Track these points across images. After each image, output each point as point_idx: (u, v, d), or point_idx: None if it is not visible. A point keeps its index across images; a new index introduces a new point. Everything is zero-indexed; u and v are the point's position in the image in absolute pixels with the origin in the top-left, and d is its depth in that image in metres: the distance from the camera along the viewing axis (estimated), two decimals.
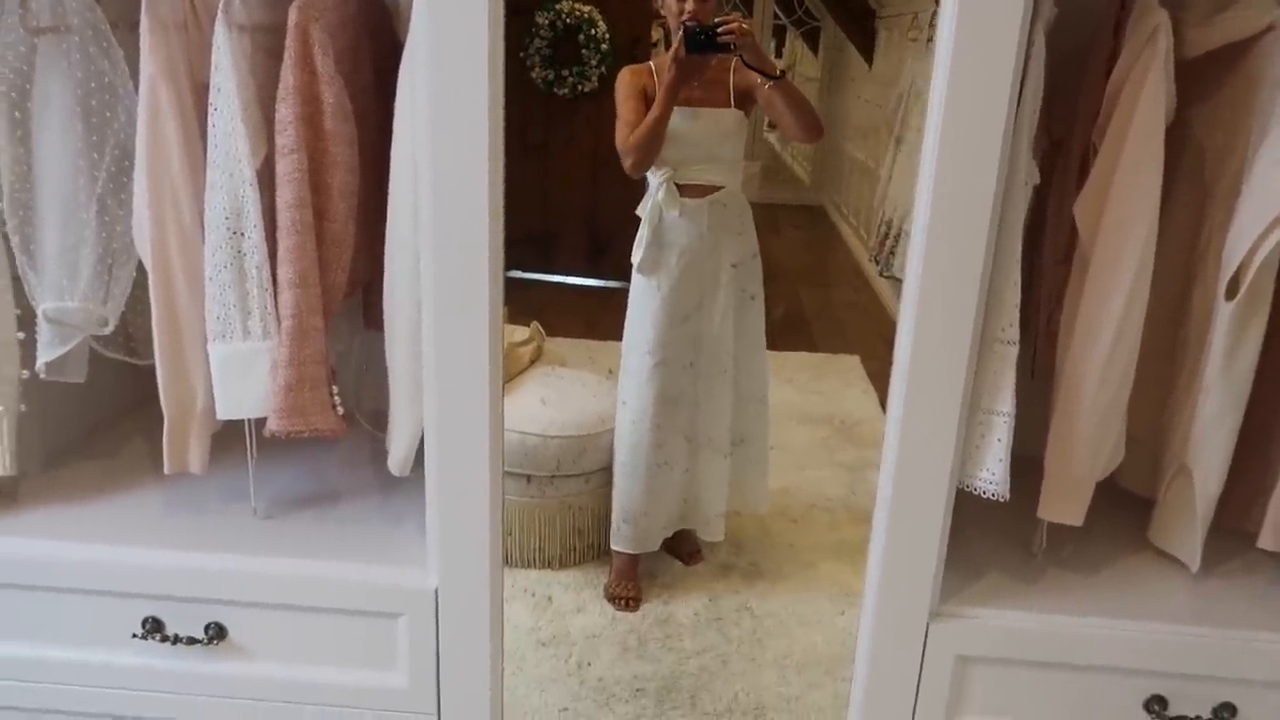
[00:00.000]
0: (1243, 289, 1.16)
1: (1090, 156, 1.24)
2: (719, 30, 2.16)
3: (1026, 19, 1.03)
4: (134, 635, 1.25)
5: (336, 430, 1.25)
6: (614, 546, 2.61)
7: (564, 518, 2.67)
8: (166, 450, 1.25)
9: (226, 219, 1.17)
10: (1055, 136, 1.37)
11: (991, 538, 1.34)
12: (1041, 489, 1.24)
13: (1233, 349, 1.19)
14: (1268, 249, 1.13)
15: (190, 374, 1.23)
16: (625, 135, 2.31)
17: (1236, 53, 1.20)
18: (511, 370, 2.78)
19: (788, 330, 4.92)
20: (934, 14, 1.20)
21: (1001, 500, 1.17)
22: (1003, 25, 1.01)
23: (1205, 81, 1.25)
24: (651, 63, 2.42)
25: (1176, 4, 1.22)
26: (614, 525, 2.60)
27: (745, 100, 2.36)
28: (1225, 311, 1.18)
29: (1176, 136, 1.23)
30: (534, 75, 5.55)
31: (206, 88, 1.17)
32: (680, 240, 2.37)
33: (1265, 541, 1.24)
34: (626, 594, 2.57)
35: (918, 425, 1.12)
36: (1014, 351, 1.16)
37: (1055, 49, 1.15)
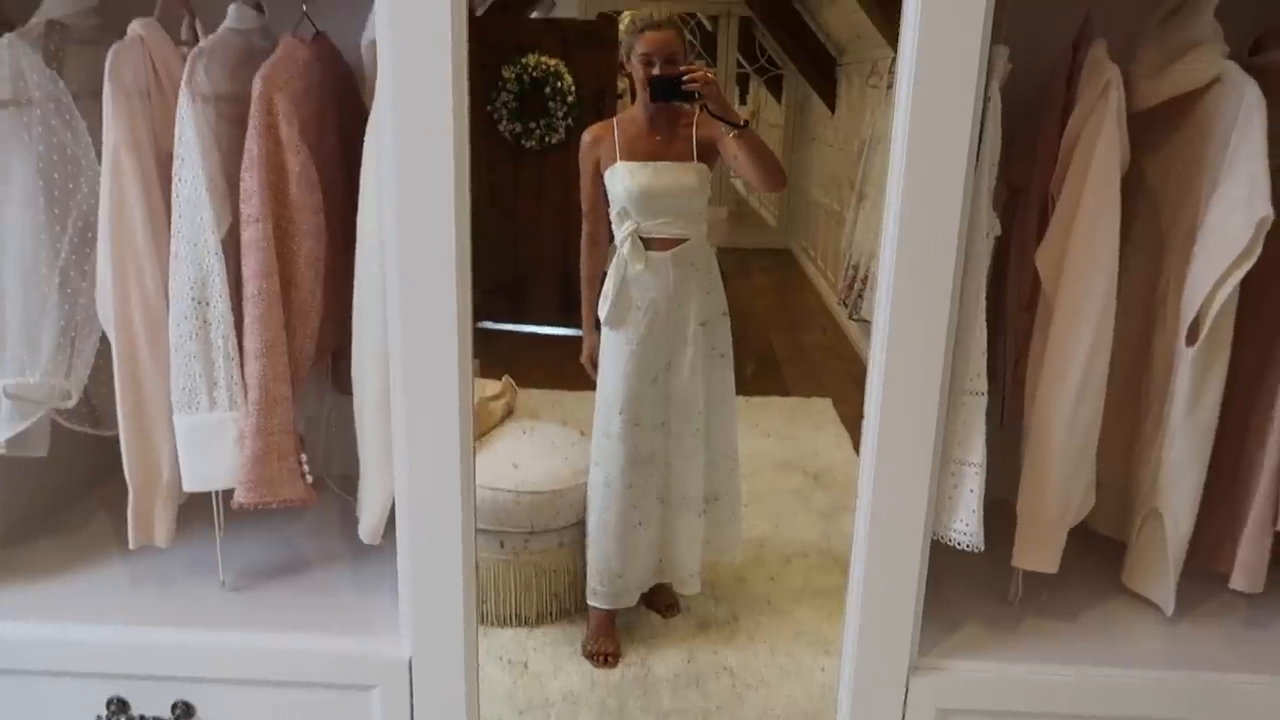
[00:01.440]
0: (1203, 334, 1.18)
1: (1049, 206, 1.26)
2: (684, 79, 2.18)
3: (982, 75, 1.05)
4: (98, 717, 1.22)
5: (306, 500, 1.23)
6: (590, 603, 2.58)
7: (539, 576, 2.64)
8: (131, 524, 1.22)
9: (191, 288, 1.16)
10: (1014, 185, 1.39)
11: (968, 587, 1.34)
12: (1015, 537, 1.25)
13: (1196, 393, 1.21)
14: (1225, 295, 1.16)
15: (156, 445, 1.21)
16: (585, 212, 2.40)
17: (1186, 104, 1.23)
18: (484, 426, 2.75)
19: (759, 374, 4.93)
20: (893, 61, 1.23)
21: (976, 551, 1.17)
22: (958, 82, 1.03)
23: (1157, 131, 1.28)
24: (615, 118, 2.45)
25: (1128, 56, 1.26)
26: (589, 583, 2.57)
27: (708, 153, 2.38)
28: (1187, 357, 1.20)
29: (1132, 185, 1.26)
30: (501, 128, 5.57)
31: (171, 157, 1.16)
32: (647, 293, 2.38)
33: (1238, 582, 1.25)
34: (604, 650, 2.53)
35: (891, 478, 1.12)
36: (982, 402, 1.17)
37: (1011, 100, 1.17)
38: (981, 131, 1.10)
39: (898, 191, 1.06)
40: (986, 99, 1.11)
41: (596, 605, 2.57)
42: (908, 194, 1.05)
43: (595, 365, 2.48)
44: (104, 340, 1.23)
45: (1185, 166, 1.24)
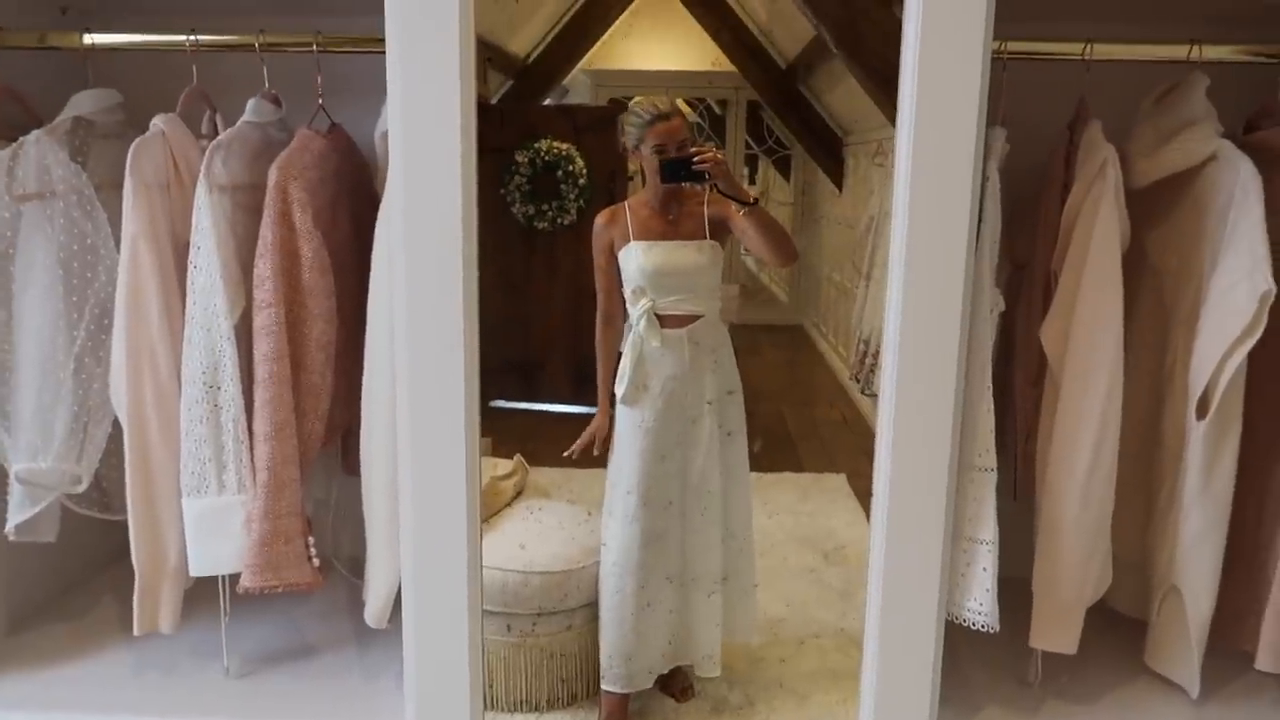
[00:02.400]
0: (1213, 408, 1.18)
1: (1052, 283, 1.27)
2: (694, 160, 2.23)
3: (979, 155, 1.07)
4: None
5: (312, 584, 1.22)
6: (604, 687, 2.52)
7: (549, 660, 2.58)
8: (137, 609, 1.22)
9: (204, 373, 1.17)
10: (1018, 262, 1.40)
11: (987, 668, 1.31)
12: (1032, 617, 1.22)
13: (1209, 467, 1.20)
14: (1232, 369, 1.16)
15: (164, 530, 1.21)
16: (600, 292, 2.43)
17: (1184, 181, 1.25)
18: (494, 505, 2.74)
19: (773, 450, 4.90)
20: None
21: (991, 631, 1.15)
22: (956, 163, 1.05)
23: (1157, 208, 1.30)
24: (627, 201, 2.49)
25: (1123, 134, 1.28)
26: (602, 667, 2.52)
27: (720, 231, 2.42)
28: (1198, 431, 1.20)
29: (1134, 261, 1.27)
30: (514, 210, 5.68)
31: (188, 245, 1.19)
32: (663, 370, 2.39)
33: (1263, 663, 1.22)
34: None
35: (901, 555, 1.11)
36: (992, 478, 1.16)
37: (1012, 177, 1.19)
38: (981, 210, 1.12)
39: (900, 270, 1.07)
40: (985, 179, 1.13)
41: (610, 689, 2.51)
42: (910, 273, 1.06)
43: (605, 444, 2.47)
44: (115, 426, 1.24)
45: (1185, 241, 1.25)
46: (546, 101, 6.36)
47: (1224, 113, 1.24)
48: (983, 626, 1.15)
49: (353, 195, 1.33)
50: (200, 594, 1.28)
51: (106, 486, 1.36)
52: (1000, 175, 1.18)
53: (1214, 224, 1.21)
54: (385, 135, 1.15)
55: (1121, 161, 1.22)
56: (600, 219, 2.48)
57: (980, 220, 1.12)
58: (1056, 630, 1.21)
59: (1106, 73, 1.24)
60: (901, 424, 1.08)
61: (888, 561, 1.11)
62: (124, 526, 1.22)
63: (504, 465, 2.85)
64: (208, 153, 1.19)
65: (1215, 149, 1.22)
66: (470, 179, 1.09)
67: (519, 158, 5.62)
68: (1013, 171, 1.21)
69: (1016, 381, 1.36)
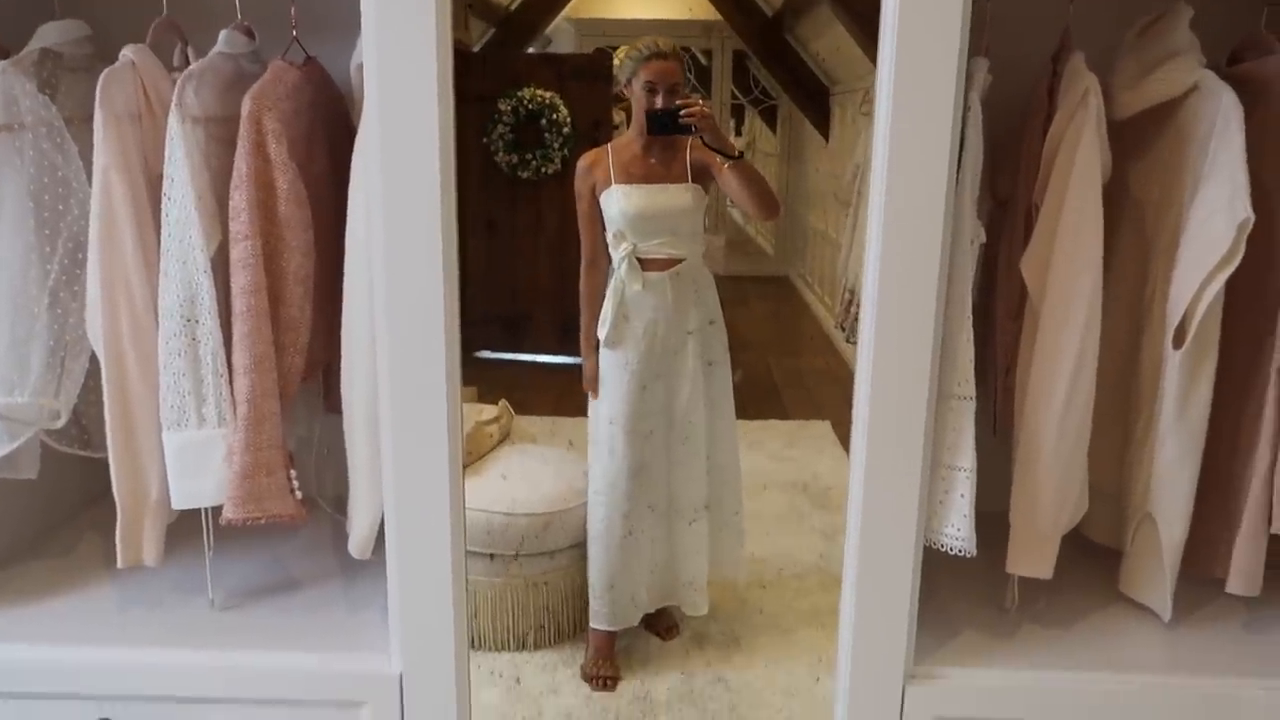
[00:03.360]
0: (1189, 337, 1.18)
1: (1033, 215, 1.27)
2: (680, 113, 2.22)
3: (960, 84, 1.06)
4: None
5: (295, 516, 1.22)
6: (592, 625, 2.56)
7: (533, 597, 2.62)
8: (120, 543, 1.22)
9: (181, 306, 1.16)
10: (1000, 197, 1.40)
11: (964, 595, 1.33)
12: (1009, 544, 1.24)
13: (1185, 396, 1.21)
14: (1209, 297, 1.16)
15: (144, 464, 1.21)
16: (583, 236, 2.44)
17: (1166, 112, 1.25)
18: (479, 449, 2.75)
19: (758, 399, 4.94)
20: None
21: (968, 556, 1.17)
22: (937, 90, 1.05)
23: (1139, 140, 1.30)
24: (610, 144, 2.47)
25: (1106, 68, 1.27)
26: (591, 605, 2.56)
27: (703, 175, 2.41)
28: (1175, 360, 1.21)
29: (1115, 193, 1.27)
30: (498, 159, 5.64)
31: (161, 178, 1.18)
32: (645, 313, 2.40)
33: (1234, 587, 1.24)
34: (603, 673, 2.51)
35: (881, 484, 1.12)
36: (970, 406, 1.17)
37: (997, 113, 1.19)
38: (963, 139, 1.11)
39: (881, 198, 1.07)
40: (966, 109, 1.12)
41: (597, 627, 2.55)
42: (891, 200, 1.06)
43: (595, 385, 2.50)
44: (94, 361, 1.23)
45: (1167, 172, 1.25)
46: (530, 50, 6.28)
47: (1207, 45, 1.23)
48: (960, 551, 1.16)
49: (328, 128, 1.31)
50: (184, 531, 1.29)
51: (86, 424, 1.35)
52: (983, 108, 1.17)
53: (1195, 154, 1.21)
54: (361, 67, 1.14)
55: (1104, 93, 1.21)
56: (582, 161, 2.46)
57: (962, 149, 1.11)
58: (1033, 556, 1.23)
59: (1091, 5, 1.23)
60: (881, 352, 1.09)
61: (867, 488, 1.12)
62: (106, 465, 1.22)
63: (489, 411, 2.87)
64: (179, 83, 1.17)
65: (1198, 80, 1.21)
66: (447, 105, 1.07)
67: (502, 106, 5.55)
68: (995, 106, 1.20)
69: (997, 315, 1.37)
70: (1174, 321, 1.20)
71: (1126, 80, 1.28)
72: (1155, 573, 1.27)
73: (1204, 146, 1.20)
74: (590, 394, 2.51)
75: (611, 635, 2.55)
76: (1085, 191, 1.19)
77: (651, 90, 2.32)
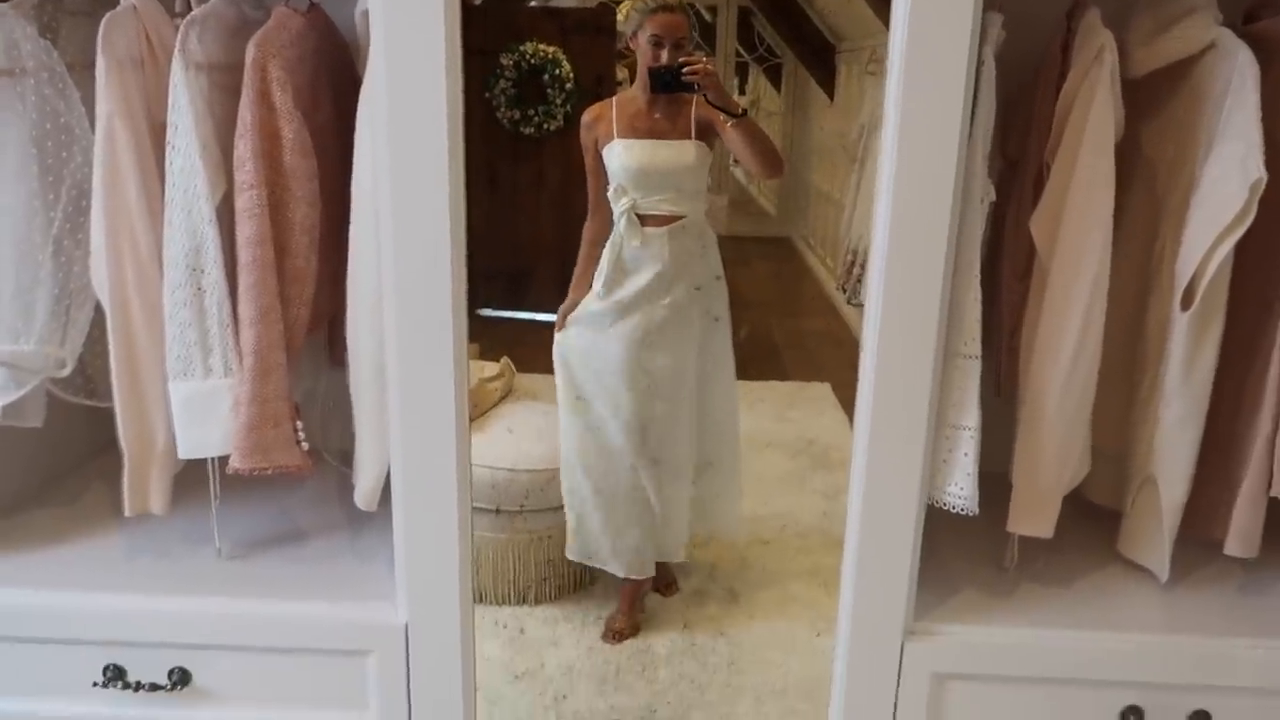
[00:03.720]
0: (1197, 299, 1.18)
1: (1044, 174, 1.26)
2: (684, 70, 2.20)
3: (975, 39, 1.05)
4: (95, 684, 1.22)
5: (301, 467, 1.23)
6: (570, 556, 2.60)
7: (536, 551, 2.64)
8: (127, 491, 1.22)
9: (186, 256, 1.16)
10: (1011, 157, 1.39)
11: (964, 554, 1.34)
12: (1010, 503, 1.25)
13: (1190, 358, 1.21)
14: (1219, 258, 1.16)
15: (150, 413, 1.21)
16: (590, 189, 2.44)
17: (1181, 70, 1.23)
18: (481, 406, 2.76)
19: (759, 360, 4.94)
20: None
21: (971, 514, 1.17)
22: (951, 44, 1.03)
23: (1153, 98, 1.28)
24: (614, 98, 2.45)
25: (1121, 25, 1.25)
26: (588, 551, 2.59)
27: (707, 132, 2.39)
28: (1182, 322, 1.20)
29: (1128, 153, 1.26)
30: (500, 115, 5.57)
31: (164, 126, 1.16)
32: (642, 269, 2.39)
33: (1232, 548, 1.25)
34: (614, 626, 2.56)
35: (885, 441, 1.13)
36: (976, 366, 1.17)
37: (1008, 71, 1.17)
38: (976, 96, 1.10)
39: (891, 154, 1.06)
40: (980, 64, 1.11)
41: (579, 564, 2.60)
42: (901, 157, 1.05)
43: (563, 319, 2.52)
44: (99, 312, 1.23)
45: (1180, 131, 1.24)
46: (532, 3, 6.18)
47: (1223, 2, 1.21)
48: (963, 510, 1.17)
49: (333, 76, 1.29)
50: (190, 481, 1.29)
51: (91, 373, 1.35)
52: (996, 64, 1.15)
53: (1210, 113, 1.20)
54: (366, 14, 1.12)
55: (1119, 51, 1.20)
56: (586, 115, 2.44)
57: (974, 106, 1.10)
58: (1034, 515, 1.24)
59: None
60: (888, 310, 1.09)
61: (871, 446, 1.12)
62: (112, 414, 1.22)
63: (491, 368, 2.87)
64: (182, 28, 1.15)
65: (1214, 37, 1.19)
66: (455, 54, 1.06)
67: (504, 60, 5.48)
68: (1008, 62, 1.19)
69: (1004, 275, 1.36)
70: (1183, 282, 1.20)
71: (1142, 37, 1.26)
72: (1154, 534, 1.28)
73: (1219, 105, 1.18)
74: (560, 324, 2.53)
75: (631, 586, 2.58)
76: (1098, 150, 1.18)
77: (657, 44, 2.29)
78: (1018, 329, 1.31)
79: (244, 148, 1.16)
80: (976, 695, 1.21)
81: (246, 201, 1.16)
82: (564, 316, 2.51)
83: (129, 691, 1.22)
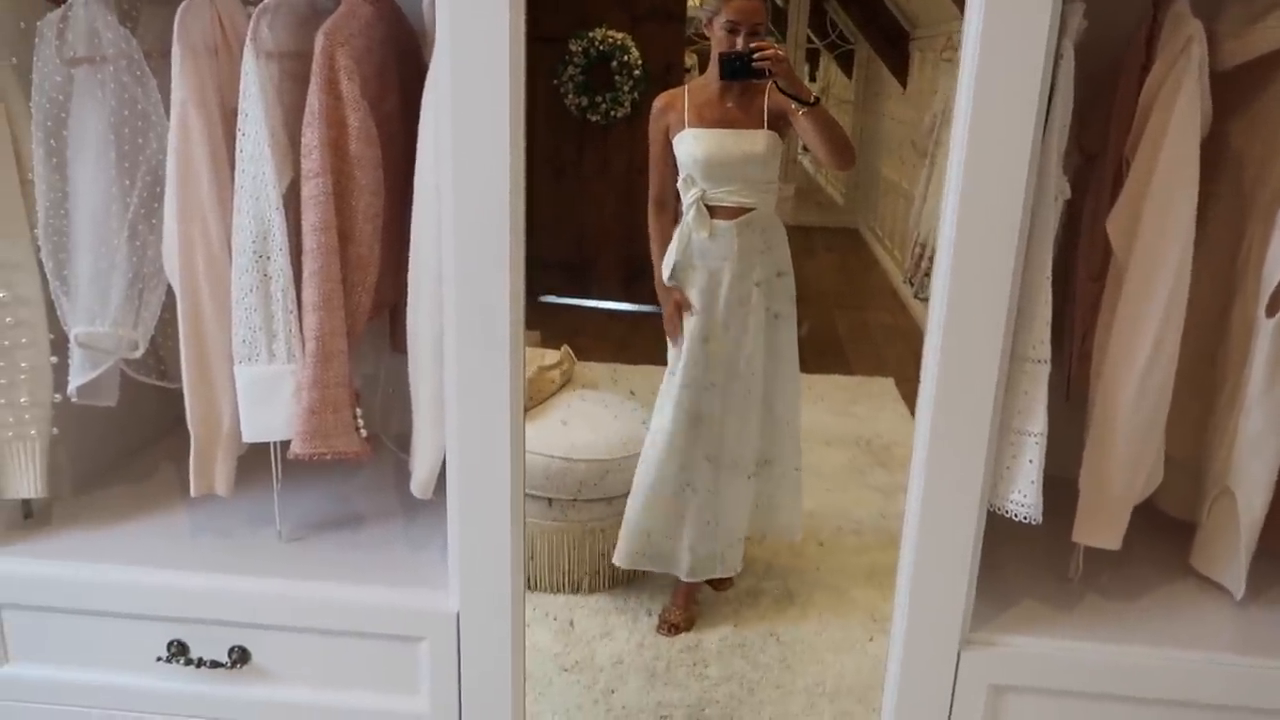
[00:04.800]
0: None
1: (1123, 170, 1.21)
2: (755, 56, 2.17)
3: (1054, 30, 1.01)
4: (158, 659, 1.26)
5: (360, 453, 1.24)
6: (619, 564, 2.59)
7: (589, 542, 2.65)
8: (193, 472, 1.26)
9: (253, 242, 1.18)
10: (1088, 151, 1.34)
11: (1026, 563, 1.31)
12: (1077, 512, 1.21)
13: (1275, 366, 1.15)
14: None
15: (217, 396, 1.24)
16: (652, 178, 2.41)
17: (1274, 62, 1.17)
18: (540, 394, 2.78)
19: (821, 353, 4.88)
20: None
21: (1034, 523, 1.14)
22: (1029, 36, 0.99)
23: (1242, 92, 1.22)
24: (686, 85, 2.43)
25: (1210, 15, 1.20)
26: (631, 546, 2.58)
27: (779, 122, 2.35)
28: (1267, 328, 1.15)
29: (1214, 149, 1.20)
30: (568, 102, 5.60)
31: (235, 113, 1.18)
32: (710, 262, 2.37)
33: None
34: (669, 619, 2.56)
35: (946, 446, 1.10)
36: (1045, 371, 1.13)
37: (1087, 62, 1.13)
38: (1053, 89, 1.06)
39: (962, 148, 1.03)
40: (1059, 56, 1.07)
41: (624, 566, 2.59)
42: (973, 150, 1.02)
43: (675, 326, 2.47)
44: (171, 295, 1.26)
45: (1270, 127, 1.18)
46: None
47: None
48: (1025, 518, 1.13)
49: (400, 65, 1.30)
50: (252, 464, 1.32)
51: (163, 355, 1.39)
52: (1075, 54, 1.11)
53: None
54: (434, 3, 1.12)
55: (1208, 41, 1.14)
56: (658, 102, 2.42)
57: (1051, 99, 1.06)
58: (1102, 526, 1.20)
59: None
60: (954, 309, 1.06)
61: (931, 449, 1.10)
62: (181, 396, 1.25)
63: (551, 356, 2.89)
64: (254, 17, 1.16)
65: None
66: (519, 45, 1.06)
67: (573, 47, 5.49)
68: (1088, 53, 1.14)
69: (1078, 275, 1.32)
70: (1270, 287, 1.14)
71: (1232, 28, 1.20)
72: (1230, 549, 1.23)
73: None
74: (674, 333, 2.47)
75: (691, 586, 2.57)
76: (1182, 147, 1.13)
77: (733, 30, 2.26)
78: (1091, 332, 1.27)
79: (311, 135, 1.17)
80: (1035, 709, 1.18)
81: (313, 189, 1.18)
82: (674, 323, 2.47)
83: (191, 668, 1.25)
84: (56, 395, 1.29)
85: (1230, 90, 1.20)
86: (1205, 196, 1.14)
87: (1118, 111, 1.24)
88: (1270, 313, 1.14)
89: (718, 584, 2.72)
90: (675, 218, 2.40)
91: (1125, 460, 1.17)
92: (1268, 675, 1.14)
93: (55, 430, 1.30)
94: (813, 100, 2.25)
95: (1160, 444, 1.19)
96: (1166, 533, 1.33)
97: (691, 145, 2.32)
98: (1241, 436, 1.19)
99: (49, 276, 1.24)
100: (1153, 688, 1.15)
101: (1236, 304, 1.23)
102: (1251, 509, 1.19)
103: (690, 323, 2.39)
